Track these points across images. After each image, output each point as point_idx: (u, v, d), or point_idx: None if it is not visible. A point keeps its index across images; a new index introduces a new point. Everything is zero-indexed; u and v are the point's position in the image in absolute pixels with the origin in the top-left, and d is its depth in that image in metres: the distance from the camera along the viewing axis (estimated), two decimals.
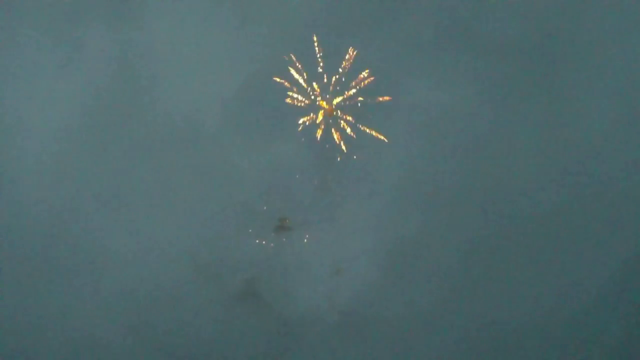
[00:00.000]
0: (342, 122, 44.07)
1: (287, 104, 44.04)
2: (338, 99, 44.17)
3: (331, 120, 44.24)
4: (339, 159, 44.05)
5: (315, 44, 43.75)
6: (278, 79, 43.87)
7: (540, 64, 43.91)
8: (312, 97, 44.15)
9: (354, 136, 43.82)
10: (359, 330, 43.21)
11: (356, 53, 43.57)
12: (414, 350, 42.93)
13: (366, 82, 43.73)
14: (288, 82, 43.89)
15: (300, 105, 44.07)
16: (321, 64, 43.92)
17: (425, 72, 43.98)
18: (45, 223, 44.04)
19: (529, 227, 42.88)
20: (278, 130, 44.27)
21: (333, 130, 44.05)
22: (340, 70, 43.95)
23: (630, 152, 43.09)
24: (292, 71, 43.96)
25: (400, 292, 43.19)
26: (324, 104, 44.06)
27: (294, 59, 43.90)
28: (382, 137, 43.45)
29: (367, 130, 43.72)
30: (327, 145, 44.26)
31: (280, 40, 44.48)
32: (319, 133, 44.04)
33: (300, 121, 44.04)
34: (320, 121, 44.28)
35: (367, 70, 43.65)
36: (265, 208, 44.45)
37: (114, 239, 43.94)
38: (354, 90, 44.03)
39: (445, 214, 43.28)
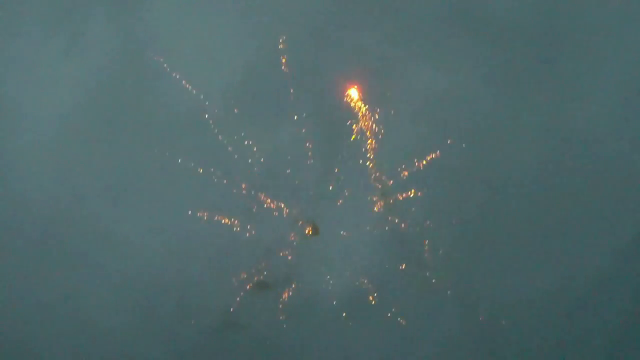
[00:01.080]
0: None
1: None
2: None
3: None
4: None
5: None
6: None
7: (544, 49, 43.84)
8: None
9: None
10: (362, 315, 43.66)
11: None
12: (417, 337, 43.34)
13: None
14: None
15: None
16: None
17: (426, 57, 43.96)
18: (48, 211, 44.11)
19: (531, 212, 43.03)
20: (282, 120, 44.34)
21: None
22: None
23: (634, 137, 43.20)
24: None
25: (403, 278, 43.58)
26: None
27: None
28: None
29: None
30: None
31: (284, 24, 44.53)
32: None
33: None
34: None
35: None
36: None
37: (117, 226, 44.00)
38: None
39: (446, 198, 43.51)
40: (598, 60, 43.49)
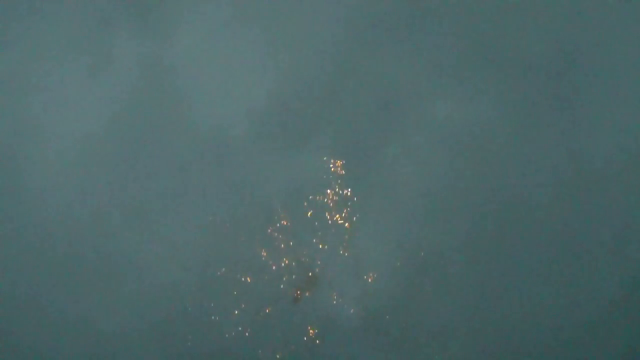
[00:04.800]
0: None
1: None
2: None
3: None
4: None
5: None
6: None
7: (561, 83, 45.41)
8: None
9: None
10: (380, 336, 44.05)
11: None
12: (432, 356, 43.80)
13: None
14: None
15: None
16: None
17: (446, 89, 45.55)
18: (69, 231, 44.67)
19: (548, 239, 43.94)
20: (304, 144, 45.36)
21: None
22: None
23: None
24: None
25: (421, 300, 44.14)
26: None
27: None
28: None
29: None
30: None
31: (307, 53, 46.04)
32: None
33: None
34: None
35: None
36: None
37: (136, 247, 44.51)
38: None
39: (465, 227, 44.37)
40: (612, 95, 44.94)
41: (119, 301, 44.12)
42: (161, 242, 44.55)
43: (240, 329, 43.92)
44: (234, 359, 43.72)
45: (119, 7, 46.88)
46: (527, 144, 44.84)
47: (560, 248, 43.83)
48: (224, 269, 44.48)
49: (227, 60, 46.07)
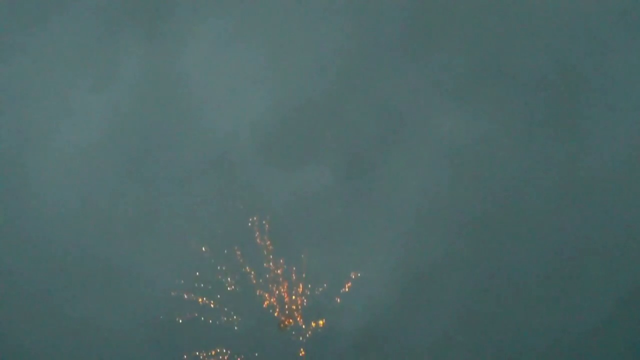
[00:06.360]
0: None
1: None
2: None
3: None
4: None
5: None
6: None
7: (562, 102, 45.96)
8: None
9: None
10: (375, 350, 44.39)
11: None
12: None
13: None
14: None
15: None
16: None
17: (449, 106, 46.26)
18: (73, 243, 45.31)
19: (546, 256, 44.29)
20: (307, 157, 46.08)
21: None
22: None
23: None
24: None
25: (417, 315, 44.35)
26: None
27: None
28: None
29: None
30: None
31: (312, 70, 46.81)
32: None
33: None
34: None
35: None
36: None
37: (139, 260, 44.97)
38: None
39: (465, 241, 44.81)
40: (611, 112, 45.43)
41: (120, 305, 44.61)
42: (161, 257, 44.97)
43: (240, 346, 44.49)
44: None
45: (126, 21, 47.83)
46: (527, 160, 45.41)
47: (557, 261, 44.17)
48: (222, 277, 45.10)
49: (233, 75, 46.91)
